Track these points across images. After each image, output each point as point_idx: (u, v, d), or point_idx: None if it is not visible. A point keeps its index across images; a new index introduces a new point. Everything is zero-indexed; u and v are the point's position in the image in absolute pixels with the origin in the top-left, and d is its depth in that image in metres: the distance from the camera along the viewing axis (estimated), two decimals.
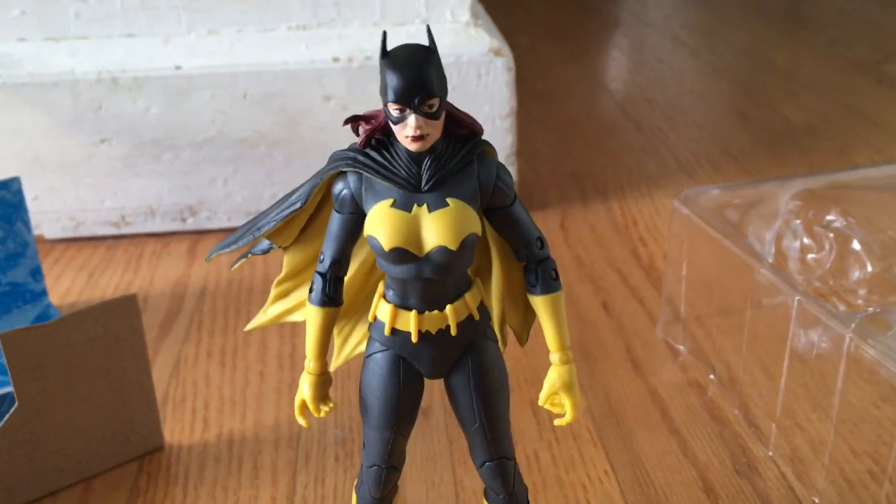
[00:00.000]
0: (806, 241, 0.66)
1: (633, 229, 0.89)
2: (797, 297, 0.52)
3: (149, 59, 0.83)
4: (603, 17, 1.97)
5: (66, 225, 0.88)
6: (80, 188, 0.86)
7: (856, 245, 0.65)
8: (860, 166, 0.69)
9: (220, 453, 0.59)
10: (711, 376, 0.64)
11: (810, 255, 0.66)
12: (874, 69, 1.42)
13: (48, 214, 0.87)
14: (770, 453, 0.56)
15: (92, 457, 0.56)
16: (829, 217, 0.66)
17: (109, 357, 0.55)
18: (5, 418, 0.52)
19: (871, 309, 0.57)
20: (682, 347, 0.68)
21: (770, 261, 0.59)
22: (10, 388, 0.64)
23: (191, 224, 0.90)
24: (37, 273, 0.76)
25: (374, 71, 0.84)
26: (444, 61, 0.35)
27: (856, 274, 0.65)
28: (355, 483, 0.42)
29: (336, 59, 0.84)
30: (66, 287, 0.81)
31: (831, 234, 0.66)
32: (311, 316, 0.38)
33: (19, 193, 0.73)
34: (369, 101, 0.85)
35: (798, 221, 0.66)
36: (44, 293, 0.76)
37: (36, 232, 0.87)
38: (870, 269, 0.65)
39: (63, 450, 0.55)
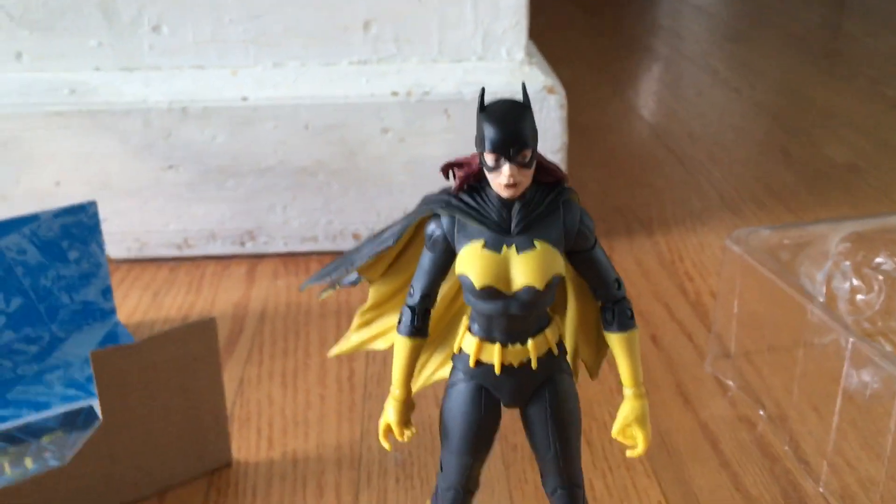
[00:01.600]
0: (855, 282, 0.68)
1: (680, 264, 0.91)
2: (851, 338, 0.54)
3: (217, 89, 0.87)
4: (643, 51, 2.00)
5: (131, 246, 0.92)
6: (147, 212, 0.90)
7: None
8: None
9: (285, 471, 0.61)
10: (761, 412, 0.66)
11: (860, 296, 0.67)
12: None
13: (115, 236, 0.91)
14: (821, 489, 0.58)
15: (165, 471, 0.59)
16: (879, 259, 0.68)
17: (187, 377, 0.58)
18: (89, 432, 0.55)
19: None
20: (731, 383, 0.69)
21: (822, 300, 0.60)
22: (83, 403, 0.67)
23: (249, 248, 0.93)
24: (107, 292, 0.79)
25: (431, 105, 0.88)
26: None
27: None
28: (427, 503, 0.44)
29: (395, 94, 0.87)
30: (132, 306, 0.84)
31: (881, 276, 0.67)
32: (398, 346, 0.40)
33: (95, 217, 0.76)
34: (425, 134, 0.88)
35: (848, 263, 0.68)
36: (113, 312, 0.79)
37: None
38: None
39: (139, 464, 0.57)
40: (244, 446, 0.64)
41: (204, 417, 0.59)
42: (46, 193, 0.88)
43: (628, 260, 0.93)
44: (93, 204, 0.76)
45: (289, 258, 0.94)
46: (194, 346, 0.57)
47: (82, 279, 0.77)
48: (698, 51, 1.98)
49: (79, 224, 0.76)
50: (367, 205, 0.91)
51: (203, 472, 0.60)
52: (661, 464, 0.61)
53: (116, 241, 0.92)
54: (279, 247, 0.93)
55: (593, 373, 0.42)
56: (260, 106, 0.87)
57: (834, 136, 1.32)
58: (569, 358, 0.41)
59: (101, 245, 0.77)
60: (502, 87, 0.85)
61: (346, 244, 0.93)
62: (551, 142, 0.90)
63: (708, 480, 0.59)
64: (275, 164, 0.89)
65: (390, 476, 0.60)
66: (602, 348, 0.42)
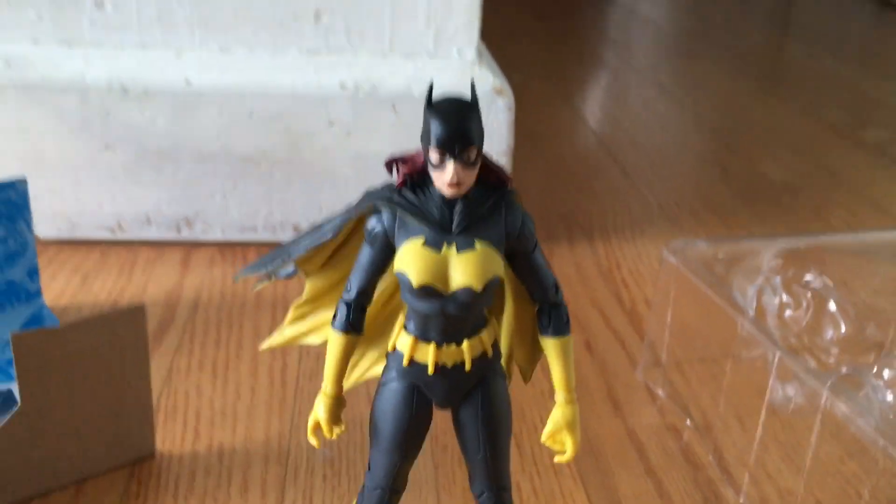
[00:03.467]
0: (785, 298, 0.69)
1: (617, 272, 0.92)
2: (778, 353, 0.55)
3: (160, 70, 0.85)
4: (593, 60, 2.02)
5: (61, 226, 0.89)
6: (80, 192, 0.87)
7: (832, 306, 0.68)
8: (838, 231, 0.72)
9: (210, 465, 0.60)
10: (688, 422, 0.67)
11: (788, 312, 0.69)
12: (852, 134, 1.48)
13: (45, 214, 0.88)
14: (741, 500, 0.59)
15: (85, 460, 0.57)
16: (808, 277, 0.70)
17: (112, 365, 0.56)
18: (7, 416, 0.53)
19: (844, 369, 0.60)
20: (661, 391, 0.70)
21: (752, 314, 0.62)
22: (2, 387, 0.65)
23: (185, 235, 0.91)
24: (33, 273, 0.76)
25: (379, 100, 0.87)
26: None
27: (830, 333, 0.68)
28: (353, 502, 0.44)
29: (343, 86, 0.86)
30: (59, 288, 0.82)
31: (809, 294, 0.69)
32: (332, 342, 0.40)
33: (24, 194, 0.74)
34: (372, 129, 0.88)
35: (778, 279, 0.69)
36: (38, 293, 0.77)
37: None
38: (843, 329, 0.68)
39: (59, 451, 0.56)
40: (169, 437, 0.62)
41: (128, 407, 0.58)
42: None
43: (568, 265, 0.93)
44: (22, 181, 0.73)
45: (226, 247, 0.92)
46: (121, 334, 0.55)
47: (7, 258, 0.75)
48: (646, 63, 2.01)
49: (6, 201, 0.73)
50: (309, 197, 0.90)
51: (125, 463, 0.59)
52: (588, 469, 0.61)
53: (47, 219, 0.89)
54: (216, 235, 0.91)
55: (527, 376, 0.42)
56: (204, 90, 0.85)
57: (771, 155, 1.35)
58: (503, 361, 0.41)
59: (28, 224, 0.75)
60: (451, 85, 0.84)
61: (286, 236, 0.91)
62: (497, 144, 0.90)
63: (633, 487, 0.60)
64: (216, 151, 0.87)
65: (317, 473, 0.59)
66: (536, 352, 0.42)
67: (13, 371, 0.68)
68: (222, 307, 0.81)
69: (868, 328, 0.69)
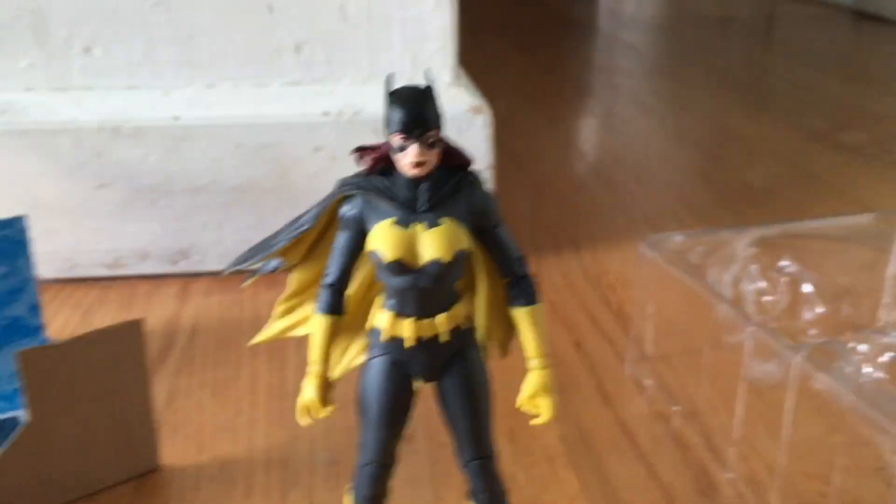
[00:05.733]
0: (761, 284, 0.71)
1: (604, 278, 0.95)
2: (752, 328, 0.57)
3: (149, 109, 0.88)
4: (577, 85, 2.06)
5: (61, 266, 0.92)
6: (78, 231, 0.90)
7: (807, 288, 0.71)
8: (810, 219, 0.75)
9: (213, 474, 0.62)
10: (675, 408, 0.69)
11: (765, 297, 0.71)
12: (831, 138, 1.51)
13: (45, 255, 0.91)
14: (729, 475, 0.60)
15: (92, 475, 0.59)
16: (783, 262, 0.72)
17: (113, 378, 0.58)
18: (16, 433, 0.55)
19: (817, 341, 0.62)
20: (648, 383, 0.72)
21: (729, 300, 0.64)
22: (9, 415, 0.67)
23: (182, 266, 0.94)
24: (35, 309, 0.79)
25: (362, 124, 0.90)
26: None
27: (807, 315, 0.71)
28: (347, 486, 0.46)
29: (326, 114, 0.90)
30: (61, 324, 0.84)
31: (785, 279, 0.71)
32: (316, 324, 0.42)
33: (24, 232, 0.76)
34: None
35: (754, 266, 0.72)
36: (40, 329, 0.79)
37: None
38: (819, 310, 0.70)
39: (67, 467, 0.58)
40: (172, 452, 0.64)
41: (131, 419, 0.60)
42: None
43: (556, 275, 0.96)
44: (22, 218, 0.76)
45: (220, 279, 0.95)
46: (120, 348, 0.58)
47: (10, 295, 0.77)
48: (629, 86, 2.05)
49: (6, 239, 0.76)
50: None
51: (130, 476, 0.61)
52: (581, 457, 0.63)
53: (46, 260, 0.91)
54: (213, 265, 0.94)
55: (505, 351, 0.45)
56: (192, 125, 0.88)
57: (753, 163, 1.38)
58: (480, 336, 0.43)
59: (28, 261, 0.77)
60: None
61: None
62: (478, 162, 0.93)
63: (624, 471, 0.62)
64: (207, 183, 0.90)
65: (318, 475, 0.61)
66: (511, 327, 0.44)
67: (20, 401, 0.70)
68: (220, 332, 0.83)
69: (844, 308, 0.71)
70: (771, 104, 1.81)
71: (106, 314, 0.87)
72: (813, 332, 0.70)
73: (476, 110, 0.92)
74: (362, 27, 0.90)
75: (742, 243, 0.72)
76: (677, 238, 0.73)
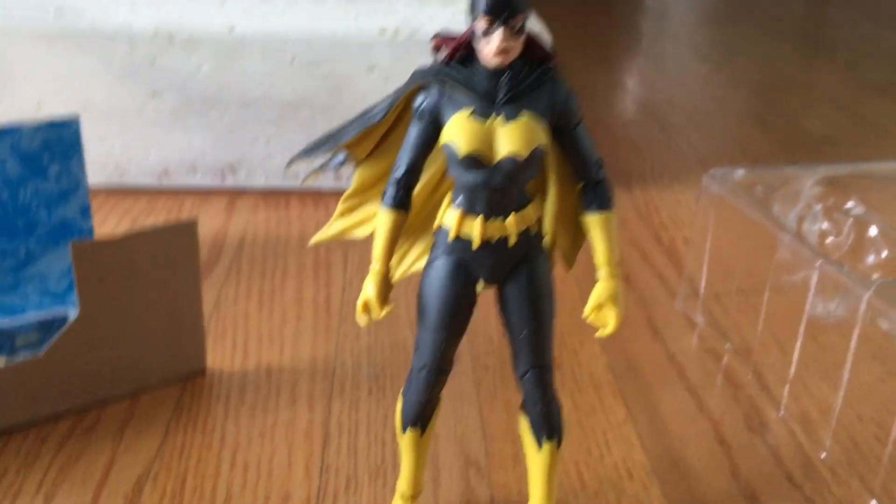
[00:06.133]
0: (826, 225, 0.69)
1: (656, 216, 0.93)
2: (820, 261, 0.55)
3: (204, 18, 0.87)
4: (628, 28, 2.01)
5: (110, 173, 0.92)
6: (128, 138, 0.90)
7: (873, 231, 0.68)
8: (879, 160, 0.72)
9: (259, 381, 0.62)
10: (727, 346, 0.67)
11: (829, 239, 0.69)
12: (894, 90, 1.46)
13: (94, 162, 0.90)
14: (781, 413, 0.59)
15: (141, 371, 0.59)
16: (849, 204, 0.70)
17: (165, 277, 0.58)
18: (65, 327, 0.55)
19: (885, 280, 0.60)
20: (700, 320, 0.71)
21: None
22: (59, 311, 0.67)
23: (230, 182, 0.93)
24: (86, 211, 0.79)
25: (418, 45, 0.88)
26: None
27: (871, 258, 0.68)
28: (402, 389, 0.45)
29: (382, 32, 0.88)
30: (107, 231, 0.84)
31: (850, 220, 0.69)
32: (381, 219, 0.41)
33: (77, 133, 0.76)
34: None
35: (819, 206, 0.69)
36: (91, 231, 0.79)
37: None
38: (885, 254, 0.68)
39: (116, 361, 0.58)
40: (219, 357, 0.64)
41: (181, 320, 0.60)
42: (27, 114, 0.87)
43: None
44: (75, 120, 0.75)
45: (269, 194, 0.94)
46: (175, 247, 0.57)
47: (61, 196, 0.77)
48: (682, 30, 2.00)
49: (60, 139, 0.75)
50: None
51: (177, 377, 0.61)
52: (629, 387, 0.62)
53: (96, 167, 0.91)
54: (260, 182, 0.93)
55: (570, 262, 0.43)
56: (247, 37, 0.87)
57: (811, 111, 1.34)
58: (546, 244, 0.42)
59: (81, 162, 0.77)
60: None
61: (328, 183, 0.93)
62: None
63: (673, 402, 0.61)
64: (259, 97, 0.89)
65: (363, 388, 0.61)
66: (579, 237, 0.42)
67: (71, 298, 0.70)
68: (266, 246, 0.82)
69: None
70: (830, 54, 1.76)
71: (154, 223, 0.87)
72: (876, 276, 0.68)
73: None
74: None
75: (808, 182, 0.70)
76: (740, 172, 0.71)
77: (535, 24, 0.90)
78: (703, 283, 0.72)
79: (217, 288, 0.74)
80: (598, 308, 0.41)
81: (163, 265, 0.57)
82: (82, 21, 0.86)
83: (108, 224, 0.86)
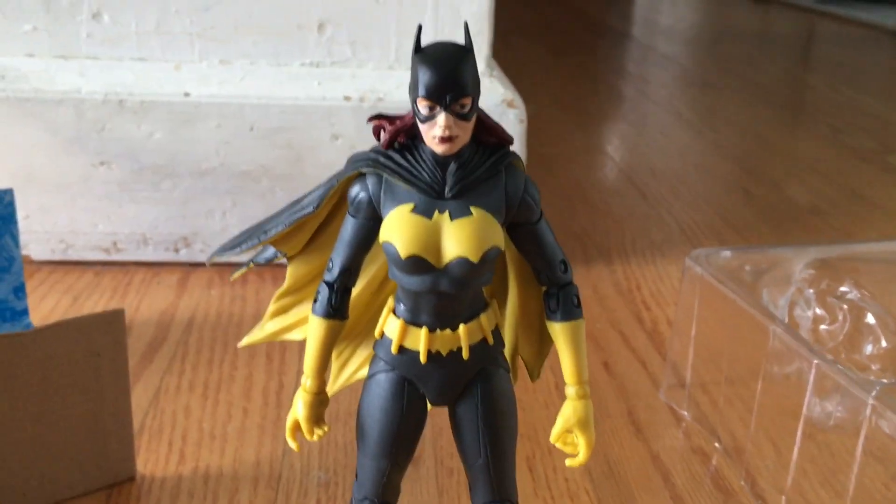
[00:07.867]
0: (819, 311, 0.64)
1: (637, 293, 0.87)
2: (816, 361, 0.49)
3: (158, 83, 0.82)
4: (609, 91, 1.99)
5: (55, 247, 0.86)
6: (74, 210, 0.84)
7: (870, 318, 0.63)
8: (872, 240, 0.68)
9: (194, 488, 0.55)
10: (717, 444, 0.61)
11: (823, 326, 0.64)
12: (878, 159, 1.43)
13: (38, 235, 0.85)
14: None
15: (58, 482, 0.52)
16: (843, 288, 0.65)
17: (88, 374, 0.52)
18: None
19: (888, 380, 0.55)
20: (686, 413, 0.65)
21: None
22: None
23: (184, 255, 0.87)
24: (20, 291, 0.72)
25: (386, 112, 0.83)
26: None
27: (869, 348, 0.63)
28: None
29: (348, 98, 0.83)
30: (48, 309, 0.78)
31: (845, 306, 0.64)
32: (313, 329, 0.35)
33: (10, 206, 0.70)
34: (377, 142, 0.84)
35: (811, 290, 0.64)
36: (25, 312, 0.73)
37: (23, 252, 0.84)
38: (884, 343, 0.63)
39: (28, 471, 0.51)
40: (152, 459, 0.58)
41: (106, 423, 0.53)
42: None
43: (585, 287, 0.88)
44: (8, 192, 0.70)
45: (225, 268, 0.88)
46: (98, 341, 0.51)
47: None
48: (663, 95, 1.98)
49: None
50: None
51: (102, 486, 0.54)
52: (609, 494, 0.56)
53: (40, 240, 0.85)
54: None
55: (534, 373, 0.38)
56: (203, 103, 0.82)
57: (795, 179, 1.30)
58: (507, 354, 0.36)
59: (15, 238, 0.71)
60: None
61: None
62: None
63: None
64: (216, 166, 0.84)
65: (311, 498, 0.54)
66: (545, 344, 0.37)
67: None
68: (217, 328, 0.76)
69: None
70: (813, 122, 1.73)
71: (98, 302, 0.80)
72: (875, 367, 0.62)
73: (509, 104, 0.85)
74: (392, 7, 0.84)
75: (798, 264, 0.65)
76: (725, 253, 0.66)
77: (507, 89, 0.86)
78: (688, 372, 0.66)
79: (158, 377, 0.68)
80: (568, 432, 0.35)
81: (84, 360, 0.51)
82: (26, 86, 0.81)
83: (47, 302, 0.80)
